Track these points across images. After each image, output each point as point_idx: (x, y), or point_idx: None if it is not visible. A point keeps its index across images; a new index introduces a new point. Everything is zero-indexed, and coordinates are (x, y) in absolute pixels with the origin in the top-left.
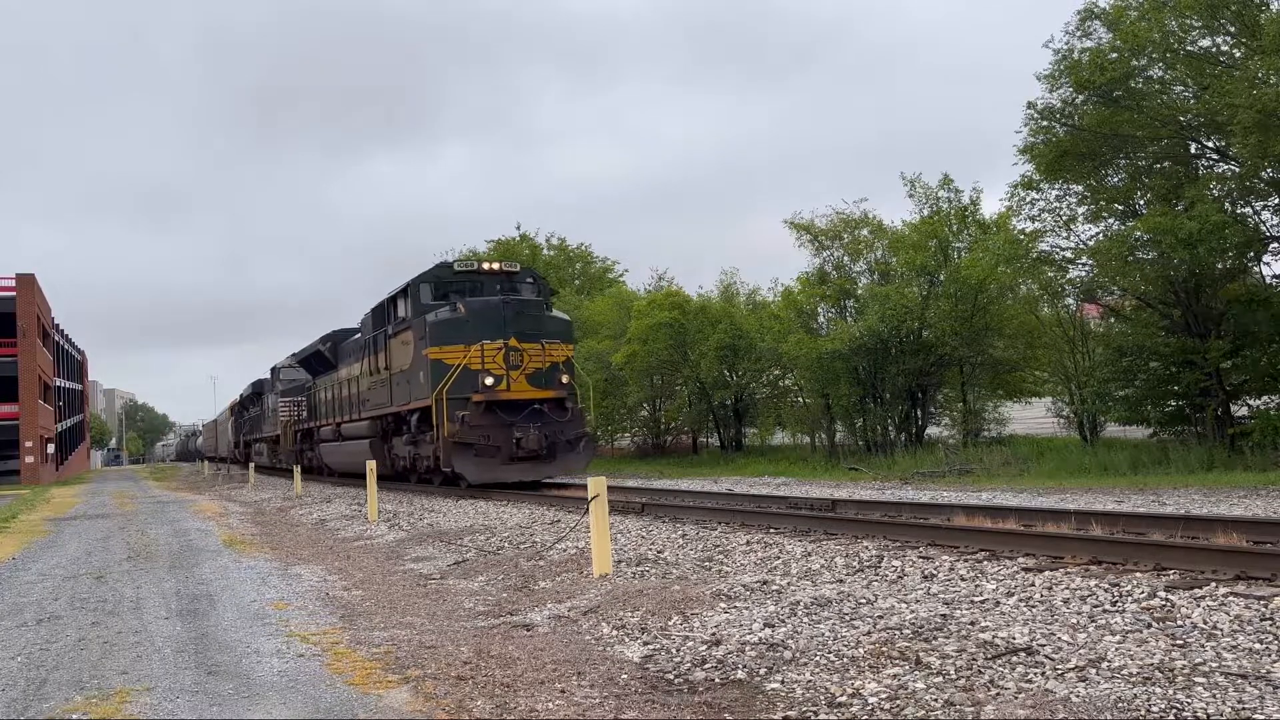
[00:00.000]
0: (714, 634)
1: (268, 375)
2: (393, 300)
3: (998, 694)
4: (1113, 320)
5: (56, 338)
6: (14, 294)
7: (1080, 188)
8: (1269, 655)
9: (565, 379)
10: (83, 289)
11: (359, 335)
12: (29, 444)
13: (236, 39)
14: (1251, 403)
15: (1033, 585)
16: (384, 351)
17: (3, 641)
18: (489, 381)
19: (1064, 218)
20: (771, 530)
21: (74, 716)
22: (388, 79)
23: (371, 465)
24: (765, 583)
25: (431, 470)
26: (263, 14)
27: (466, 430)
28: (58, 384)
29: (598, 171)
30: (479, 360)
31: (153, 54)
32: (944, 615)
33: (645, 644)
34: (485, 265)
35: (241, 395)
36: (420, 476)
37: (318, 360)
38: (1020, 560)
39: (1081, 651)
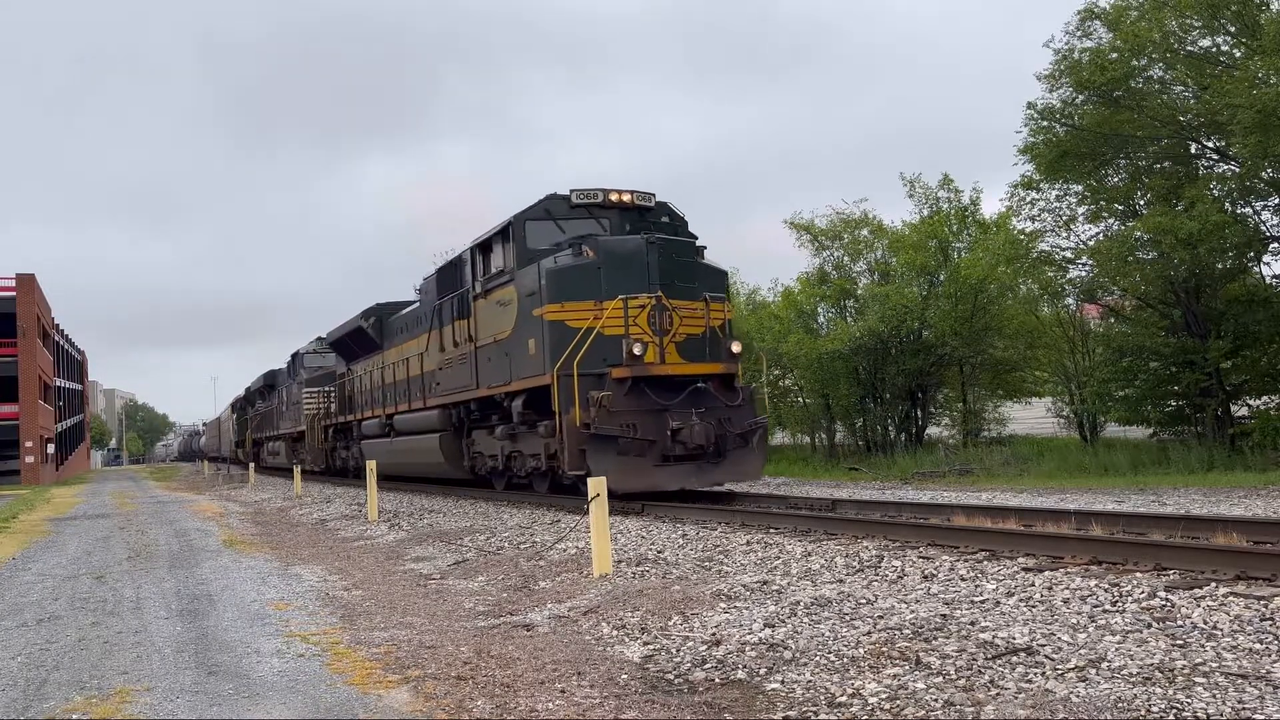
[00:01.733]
0: (714, 634)
1: (284, 364)
2: (482, 249)
3: (998, 694)
4: (1113, 320)
5: (56, 338)
6: (14, 294)
7: (1080, 188)
8: (1269, 655)
9: (735, 348)
10: (82, 289)
11: (415, 306)
12: (29, 444)
13: (232, 39)
14: (1251, 403)
15: (1033, 585)
16: (465, 319)
17: (3, 641)
18: (637, 350)
19: (1064, 218)
20: (771, 530)
21: (74, 716)
22: (385, 78)
23: (372, 465)
24: (765, 583)
25: (540, 474)
26: (258, 13)
27: (605, 417)
28: (58, 384)
29: (597, 170)
30: (619, 322)
31: (150, 54)
32: (944, 615)
33: (645, 644)
34: (614, 194)
35: (248, 389)
36: (516, 481)
37: (357, 340)
38: (1020, 560)
39: (1081, 651)
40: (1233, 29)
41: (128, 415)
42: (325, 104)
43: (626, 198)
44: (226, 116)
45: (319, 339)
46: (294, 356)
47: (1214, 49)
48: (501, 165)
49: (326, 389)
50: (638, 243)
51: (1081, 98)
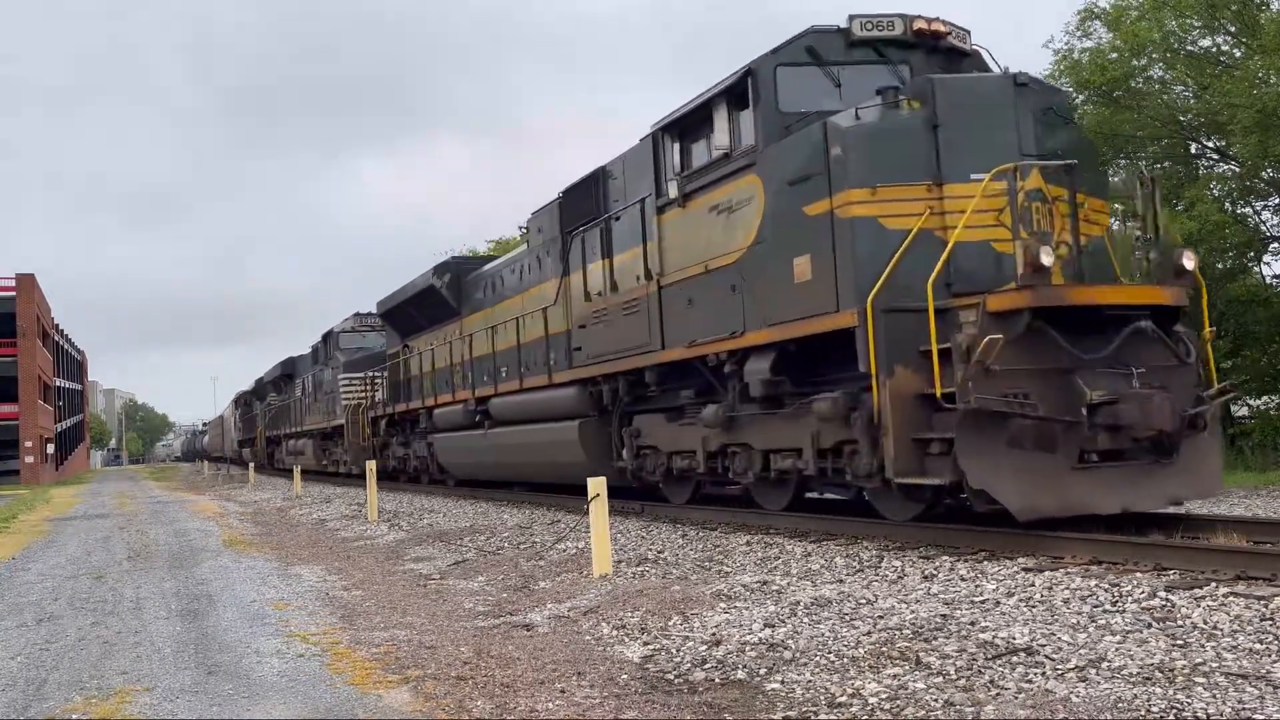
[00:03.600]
0: (714, 634)
1: (307, 350)
2: (676, 130)
3: (998, 694)
4: None
5: (56, 338)
6: (14, 294)
7: None
8: (1269, 655)
9: (1187, 260)
10: (82, 289)
11: (517, 254)
12: (29, 444)
13: (228, 38)
14: (1251, 403)
15: (1033, 585)
16: (636, 248)
17: (2, 641)
18: (1045, 261)
19: None
20: (771, 530)
21: (74, 716)
22: (383, 78)
23: (372, 466)
24: (765, 583)
25: (782, 480)
26: (254, 13)
27: (982, 379)
28: (57, 384)
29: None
30: (987, 218)
31: (146, 54)
32: (944, 615)
33: (645, 644)
34: (920, 23)
35: (258, 381)
36: (729, 487)
37: (425, 306)
38: (1020, 560)
39: (1081, 651)
40: (1233, 29)
41: (127, 415)
42: (324, 104)
43: (940, 28)
44: (224, 115)
45: (358, 315)
46: (326, 337)
47: (1214, 49)
48: (501, 165)
49: (372, 373)
50: (999, 85)
51: (1081, 98)
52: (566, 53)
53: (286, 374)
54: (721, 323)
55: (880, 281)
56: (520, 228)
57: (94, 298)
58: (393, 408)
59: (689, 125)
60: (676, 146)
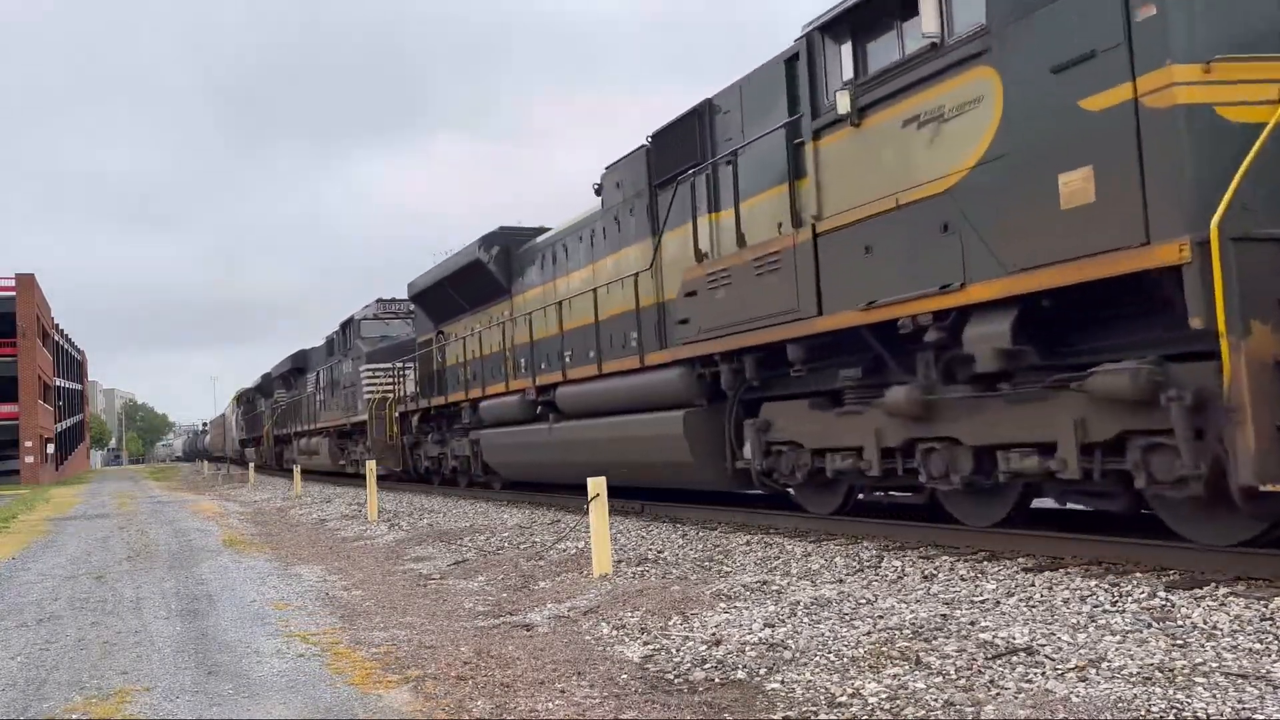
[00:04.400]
0: (714, 634)
1: (321, 342)
2: (844, 25)
3: (998, 694)
4: None
5: (56, 338)
6: (14, 294)
7: None
8: (1269, 655)
9: None
10: (82, 289)
11: (583, 218)
12: (29, 444)
13: (223, 37)
14: None
15: (1033, 585)
16: (778, 188)
17: (2, 641)
18: None
19: None
20: (771, 530)
21: (74, 716)
22: (381, 79)
23: (372, 466)
24: (765, 583)
25: (1089, 484)
26: (250, 12)
27: None
28: (57, 384)
29: (592, 168)
30: None
31: (142, 53)
32: (944, 615)
33: (645, 644)
34: None
35: (265, 376)
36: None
37: (468, 284)
38: (1020, 560)
39: (1081, 651)
40: None
41: (127, 415)
42: (322, 105)
43: None
44: (221, 115)
45: (381, 301)
46: (345, 325)
47: None
48: (496, 163)
49: (400, 364)
50: None
51: None
52: (565, 52)
53: (297, 368)
54: (922, 274)
55: (1227, 199)
56: (593, 186)
57: (94, 298)
58: (426, 401)
59: (868, 17)
60: (847, 47)
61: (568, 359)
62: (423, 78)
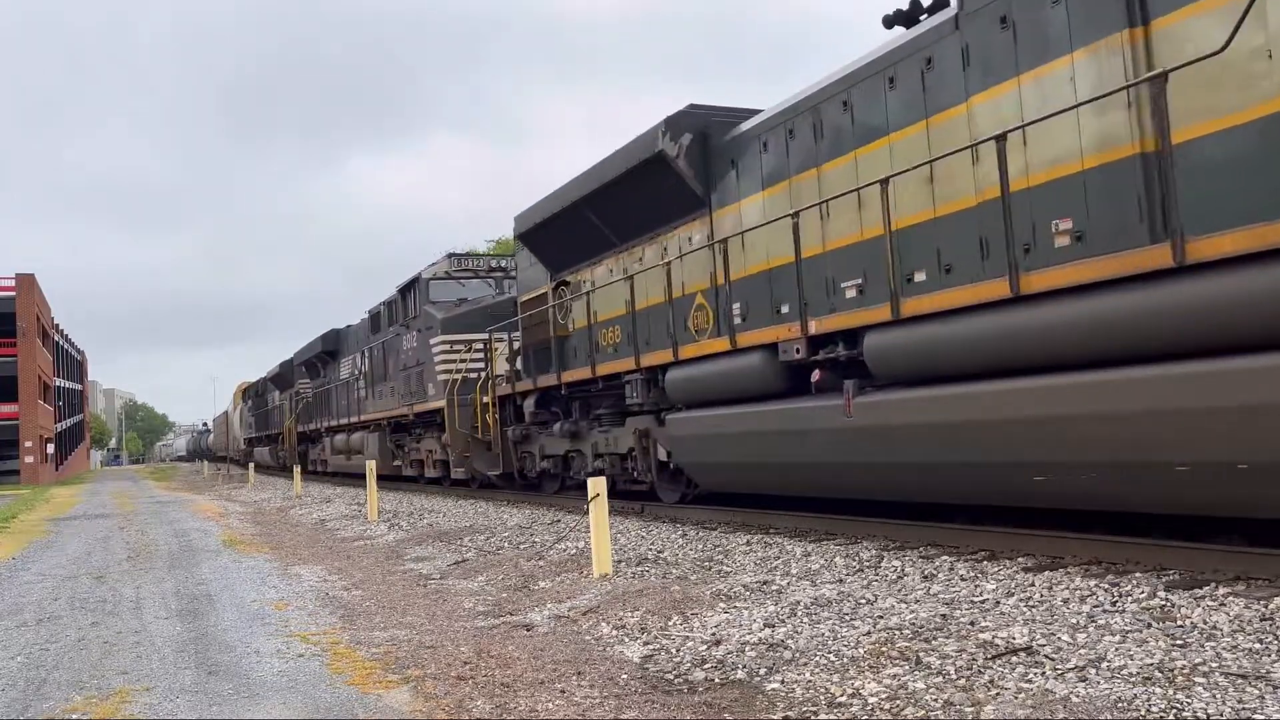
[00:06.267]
0: (714, 634)
1: (365, 316)
2: None
3: (997, 694)
4: None
5: (56, 338)
6: (14, 294)
7: None
8: (1269, 655)
9: None
10: (82, 289)
11: (891, 53)
12: (29, 444)
13: (220, 37)
14: None
15: (1033, 585)
16: None
17: (2, 641)
18: None
19: None
20: (771, 530)
21: (74, 716)
22: (379, 79)
23: (372, 466)
24: (765, 583)
25: None
26: (247, 12)
27: None
28: (57, 384)
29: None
30: None
31: (138, 53)
32: (944, 615)
33: (645, 644)
34: None
35: (283, 364)
36: None
37: (628, 200)
38: (1020, 560)
39: (1081, 651)
40: None
41: (127, 415)
42: (320, 105)
43: None
44: (220, 115)
45: (453, 255)
46: (405, 291)
47: None
48: (495, 163)
49: (491, 333)
50: None
51: None
52: (565, 52)
53: (327, 351)
54: None
55: None
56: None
57: (94, 298)
58: (556, 376)
59: None
60: None
61: (902, 280)
62: (422, 79)
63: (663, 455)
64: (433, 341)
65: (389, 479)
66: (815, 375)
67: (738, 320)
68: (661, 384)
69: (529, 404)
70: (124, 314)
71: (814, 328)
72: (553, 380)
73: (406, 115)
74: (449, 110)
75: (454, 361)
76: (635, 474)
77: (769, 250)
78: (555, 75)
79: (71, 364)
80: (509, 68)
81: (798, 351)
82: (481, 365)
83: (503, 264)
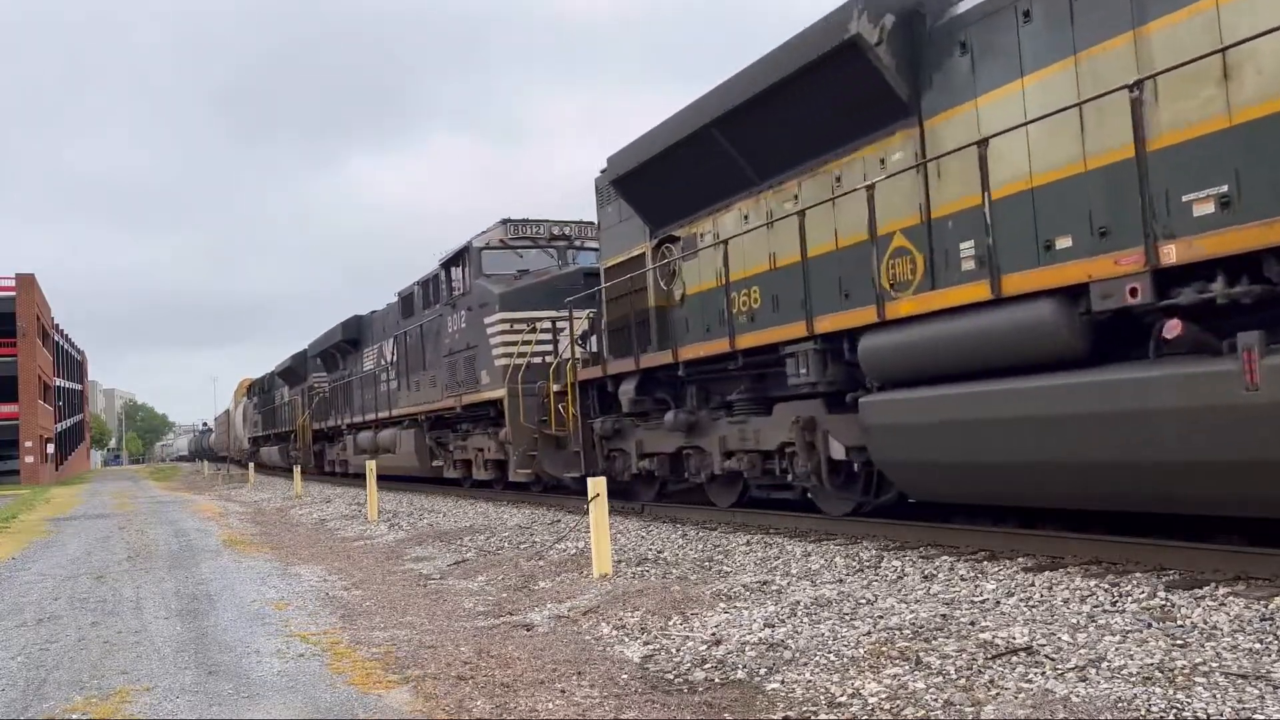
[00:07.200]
0: (714, 634)
1: (394, 299)
2: None
3: (997, 694)
4: None
5: (56, 338)
6: (14, 294)
7: None
8: (1269, 655)
9: None
10: (82, 289)
11: None
12: (29, 444)
13: (220, 37)
14: None
15: (1033, 585)
16: None
17: (2, 641)
18: None
19: None
20: (771, 530)
21: (74, 716)
22: (379, 80)
23: (371, 466)
24: (765, 583)
25: None
26: (247, 12)
27: None
28: (57, 384)
29: (590, 166)
30: None
31: (139, 53)
32: (944, 615)
33: (645, 644)
34: None
35: (296, 356)
36: None
37: (786, 114)
38: (1020, 560)
39: (1081, 651)
40: None
41: (127, 415)
42: (321, 105)
43: None
44: (219, 115)
45: (508, 221)
46: (451, 263)
47: None
48: (493, 163)
49: (567, 311)
50: None
51: None
52: (565, 51)
53: (349, 340)
54: None
55: None
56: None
57: (94, 298)
58: (671, 353)
59: None
60: None
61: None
62: (421, 79)
63: (838, 452)
64: (488, 320)
65: (427, 482)
66: (1171, 327)
67: (971, 265)
68: (847, 356)
69: (626, 389)
70: (124, 314)
71: (1171, 254)
72: (665, 359)
73: (406, 115)
74: (449, 110)
75: (515, 344)
76: (789, 477)
77: (1048, 158)
78: (555, 75)
79: (71, 364)
80: (509, 67)
81: (1133, 294)
82: (546, 349)
83: (565, 231)
